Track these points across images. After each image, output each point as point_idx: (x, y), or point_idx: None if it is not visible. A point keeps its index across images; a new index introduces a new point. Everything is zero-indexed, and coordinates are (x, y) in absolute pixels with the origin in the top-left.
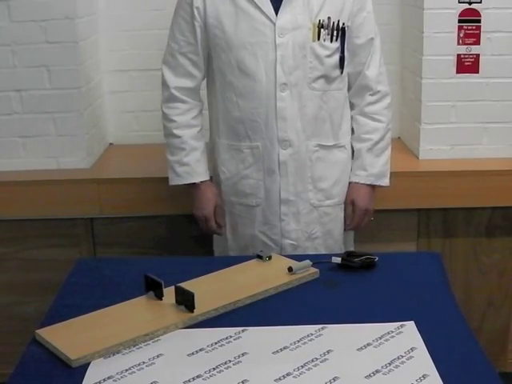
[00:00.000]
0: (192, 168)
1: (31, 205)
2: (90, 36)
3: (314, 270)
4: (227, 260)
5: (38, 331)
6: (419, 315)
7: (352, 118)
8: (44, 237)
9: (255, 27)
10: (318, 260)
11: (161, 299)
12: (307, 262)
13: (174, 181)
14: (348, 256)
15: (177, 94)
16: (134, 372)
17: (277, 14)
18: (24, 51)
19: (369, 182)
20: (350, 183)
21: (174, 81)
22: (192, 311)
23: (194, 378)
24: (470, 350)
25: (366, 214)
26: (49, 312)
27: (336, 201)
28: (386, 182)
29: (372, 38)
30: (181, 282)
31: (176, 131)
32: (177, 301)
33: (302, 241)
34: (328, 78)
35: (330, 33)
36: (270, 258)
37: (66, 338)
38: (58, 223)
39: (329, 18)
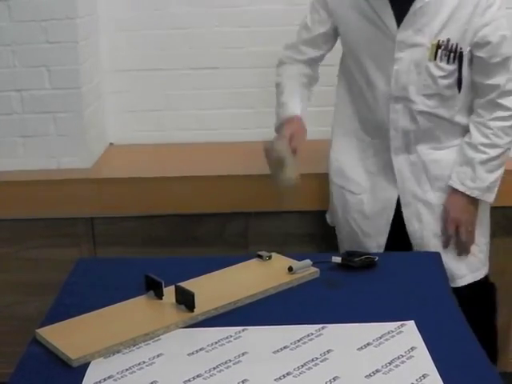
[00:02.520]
0: (287, 105)
1: (31, 205)
2: (90, 36)
3: (314, 269)
4: (227, 260)
5: (38, 331)
6: (419, 315)
7: (472, 121)
8: (44, 237)
9: (377, 38)
10: (318, 259)
11: (161, 299)
12: (307, 261)
13: (276, 125)
14: (348, 256)
15: (301, 58)
16: (135, 371)
17: (398, 27)
18: (24, 51)
19: (474, 195)
20: (449, 186)
21: (310, 51)
22: (192, 311)
23: (194, 378)
24: (470, 350)
25: (456, 223)
26: (49, 312)
27: None
28: (491, 197)
29: (508, 58)
30: (181, 282)
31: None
32: (177, 300)
33: (429, 239)
34: (442, 97)
35: (447, 54)
36: (270, 257)
37: (66, 337)
38: (59, 223)
39: (448, 39)
